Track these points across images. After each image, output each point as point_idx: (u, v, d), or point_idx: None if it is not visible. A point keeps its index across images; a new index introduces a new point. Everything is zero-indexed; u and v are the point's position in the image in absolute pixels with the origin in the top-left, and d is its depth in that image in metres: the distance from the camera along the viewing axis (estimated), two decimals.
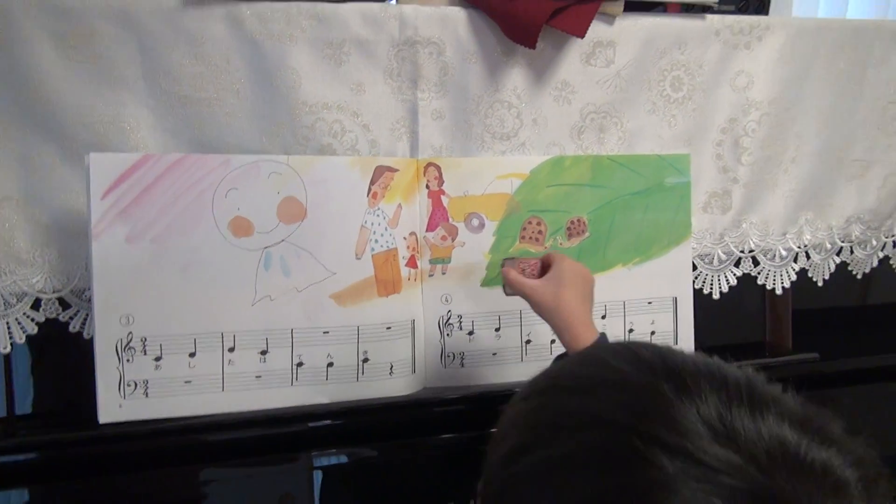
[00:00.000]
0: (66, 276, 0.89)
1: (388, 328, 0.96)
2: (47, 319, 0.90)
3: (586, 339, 0.82)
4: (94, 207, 0.82)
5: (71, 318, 0.91)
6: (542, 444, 0.45)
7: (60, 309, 0.90)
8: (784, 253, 1.16)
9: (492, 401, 1.00)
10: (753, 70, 1.10)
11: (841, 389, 1.12)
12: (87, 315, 0.90)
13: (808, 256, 1.19)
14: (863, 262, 1.24)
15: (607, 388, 0.46)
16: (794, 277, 1.17)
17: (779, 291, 1.16)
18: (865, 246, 1.23)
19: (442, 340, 1.01)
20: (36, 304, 0.89)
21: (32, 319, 0.89)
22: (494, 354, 1.02)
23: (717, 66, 1.09)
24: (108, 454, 0.88)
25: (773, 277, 1.16)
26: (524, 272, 0.92)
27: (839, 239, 1.20)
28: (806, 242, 1.18)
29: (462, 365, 1.01)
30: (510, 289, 0.91)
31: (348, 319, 0.94)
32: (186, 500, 0.90)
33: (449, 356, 1.01)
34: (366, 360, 0.95)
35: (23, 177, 0.87)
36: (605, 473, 0.42)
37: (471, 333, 1.01)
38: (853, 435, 0.44)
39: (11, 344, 0.89)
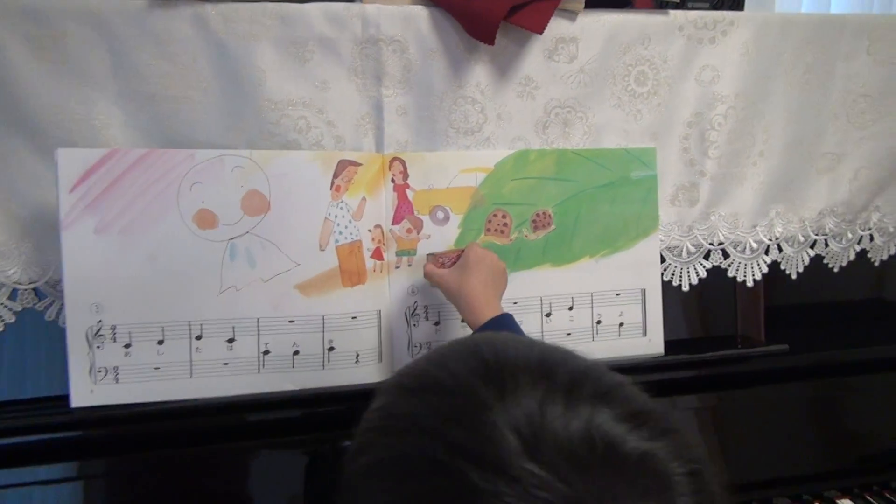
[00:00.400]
0: (41, 267, 0.93)
1: (354, 318, 0.99)
2: (24, 309, 0.94)
3: (486, 316, 0.89)
4: (63, 200, 0.86)
5: (46, 307, 0.94)
6: (372, 447, 0.45)
7: (37, 299, 0.94)
8: (754, 245, 1.17)
9: None
10: (718, 64, 1.12)
11: (809, 383, 1.13)
12: (62, 305, 0.93)
13: (780, 249, 1.20)
14: (839, 256, 1.24)
15: (431, 392, 0.45)
16: (765, 270, 1.17)
17: (749, 284, 1.17)
18: (840, 239, 1.23)
19: (409, 331, 1.03)
20: (13, 295, 0.93)
21: (9, 309, 0.93)
22: None
23: (681, 60, 1.11)
24: (82, 438, 0.92)
25: (743, 270, 1.17)
26: (443, 265, 1.01)
27: (812, 232, 1.21)
28: (777, 235, 1.19)
29: None
30: (427, 280, 1.00)
31: (313, 309, 0.96)
32: (159, 483, 0.93)
33: (416, 346, 1.03)
34: (331, 349, 0.98)
35: None
36: (416, 482, 0.41)
37: (437, 324, 1.04)
38: (683, 431, 0.43)
39: None
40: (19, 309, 0.94)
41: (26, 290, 0.94)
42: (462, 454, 0.39)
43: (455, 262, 1.00)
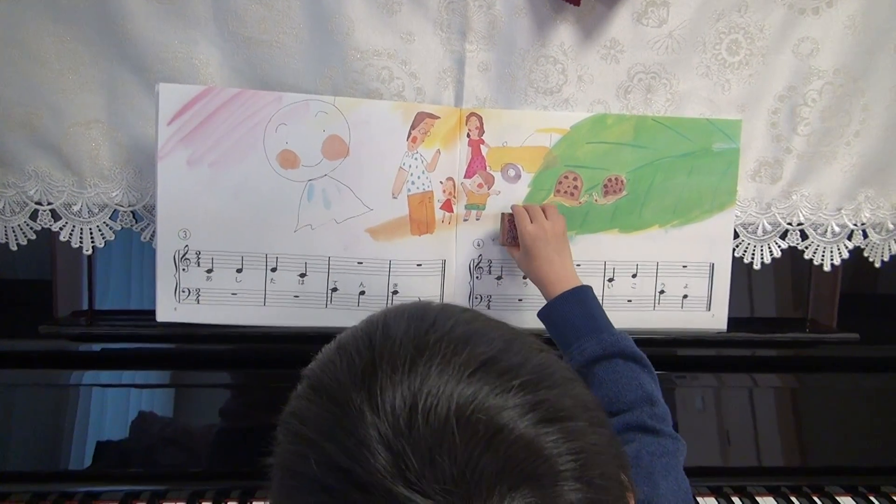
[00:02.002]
0: (139, 192, 1.02)
1: (419, 265, 1.03)
2: (123, 229, 1.03)
3: (558, 291, 0.90)
4: (161, 132, 0.93)
5: (142, 229, 1.04)
6: (277, 446, 0.44)
7: (134, 221, 1.03)
8: (837, 229, 1.13)
9: None
10: (819, 37, 1.07)
11: (877, 374, 1.09)
12: (155, 228, 1.02)
13: (865, 235, 1.15)
14: None
15: (318, 392, 0.43)
16: (845, 255, 1.13)
17: (827, 268, 1.13)
18: None
19: (471, 282, 1.06)
20: (114, 215, 1.03)
21: (111, 228, 1.03)
22: (520, 300, 1.07)
23: (779, 30, 1.06)
24: (167, 350, 1.02)
25: (821, 253, 1.13)
26: (512, 237, 1.02)
27: None
28: (864, 220, 1.14)
29: (489, 307, 1.07)
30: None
31: (381, 253, 1.01)
32: (231, 398, 1.02)
33: (477, 298, 1.07)
34: (395, 293, 1.03)
35: (108, 103, 1.00)
36: (299, 495, 0.41)
37: (499, 278, 1.07)
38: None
39: (93, 248, 1.03)
40: (118, 228, 1.04)
41: (126, 212, 1.03)
42: (339, 473, 0.38)
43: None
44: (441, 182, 1.03)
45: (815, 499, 1.05)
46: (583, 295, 0.89)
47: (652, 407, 0.78)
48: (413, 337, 0.42)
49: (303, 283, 1.00)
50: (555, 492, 0.38)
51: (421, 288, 1.03)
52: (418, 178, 1.01)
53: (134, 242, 1.05)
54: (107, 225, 1.03)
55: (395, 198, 1.00)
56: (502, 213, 1.04)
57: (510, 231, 1.02)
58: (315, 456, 0.39)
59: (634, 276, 1.09)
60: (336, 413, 0.40)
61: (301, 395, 0.44)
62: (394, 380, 0.39)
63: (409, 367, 0.40)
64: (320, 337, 1.02)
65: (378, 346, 0.42)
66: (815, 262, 1.13)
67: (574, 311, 0.88)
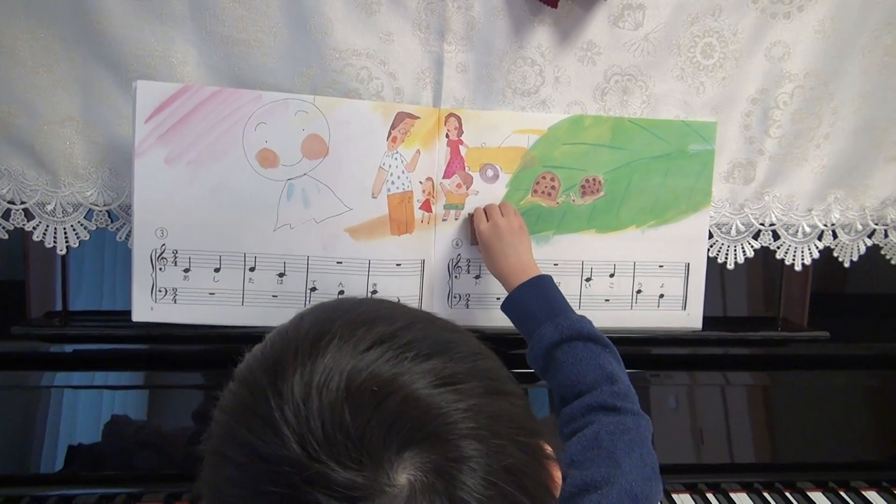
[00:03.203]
0: (115, 191, 1.01)
1: (398, 265, 1.03)
2: (98, 228, 1.02)
3: (517, 282, 0.92)
4: (139, 130, 0.92)
5: (118, 229, 1.02)
6: (209, 437, 0.46)
7: (109, 221, 1.02)
8: (808, 229, 1.15)
9: (495, 343, 1.05)
10: (791, 41, 1.09)
11: (846, 372, 1.12)
12: (132, 228, 1.01)
13: (835, 235, 1.17)
14: None
15: (235, 381, 0.45)
16: (816, 255, 1.16)
17: (798, 268, 1.15)
18: None
19: (450, 282, 1.07)
20: (89, 215, 1.02)
21: (85, 228, 1.02)
22: (498, 299, 1.06)
23: (752, 34, 1.08)
24: (143, 351, 1.01)
25: (793, 253, 1.16)
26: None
27: (872, 221, 1.18)
28: (834, 221, 1.16)
29: (467, 306, 1.07)
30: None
31: (361, 253, 1.01)
32: (206, 399, 1.01)
33: (455, 297, 1.07)
34: (374, 292, 1.03)
35: (83, 101, 0.99)
36: (217, 472, 0.43)
37: (477, 277, 1.07)
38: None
39: (67, 247, 1.01)
40: (93, 228, 1.02)
41: (101, 211, 1.02)
42: (247, 449, 0.40)
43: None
44: (420, 182, 1.03)
45: (788, 494, 1.07)
46: (538, 283, 0.91)
47: (612, 385, 0.78)
48: (320, 323, 0.45)
49: (282, 283, 1.00)
50: (449, 449, 0.40)
51: (400, 288, 1.03)
52: (398, 177, 1.01)
53: (109, 242, 1.03)
54: (81, 224, 1.01)
55: (374, 197, 1.00)
56: (468, 215, 1.05)
57: (473, 231, 1.04)
58: (228, 436, 0.43)
59: (612, 275, 1.10)
60: (247, 397, 0.43)
61: (226, 387, 0.47)
62: (295, 363, 0.42)
63: (310, 349, 0.42)
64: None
65: (290, 335, 0.45)
66: (787, 262, 1.16)
67: (530, 299, 0.89)
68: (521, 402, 0.47)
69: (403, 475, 0.39)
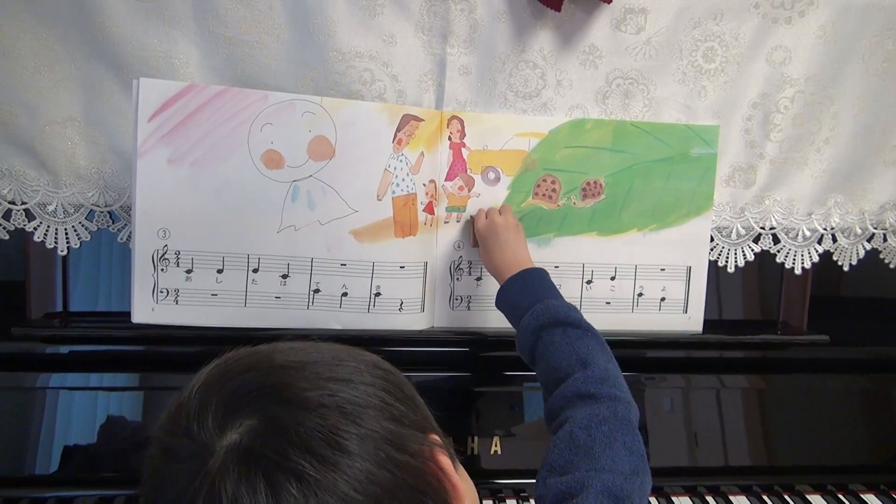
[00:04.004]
0: (117, 192, 1.01)
1: (402, 267, 1.03)
2: (99, 229, 1.01)
3: (508, 276, 0.92)
4: (141, 129, 0.92)
5: (119, 230, 1.02)
6: None
7: (111, 221, 1.02)
8: (808, 233, 1.16)
9: (495, 344, 1.06)
10: (792, 46, 1.10)
11: (845, 375, 1.12)
12: (133, 229, 1.00)
13: (834, 239, 1.18)
14: None
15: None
16: (816, 259, 1.16)
17: (798, 271, 1.16)
18: None
19: (451, 284, 1.07)
20: (90, 216, 1.01)
21: (86, 228, 1.01)
22: None
23: (753, 39, 1.09)
24: (142, 353, 1.00)
25: (793, 256, 1.16)
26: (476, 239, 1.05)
27: (871, 225, 1.19)
28: (834, 225, 1.17)
29: (468, 308, 1.07)
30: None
31: (365, 255, 1.01)
32: None
33: (457, 299, 1.07)
34: (378, 295, 1.03)
35: (85, 101, 0.98)
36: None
37: (479, 279, 1.07)
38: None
39: (68, 248, 1.01)
40: (94, 229, 1.02)
41: (102, 212, 1.01)
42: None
43: None
44: (424, 184, 1.03)
45: (787, 497, 1.08)
46: (525, 274, 0.91)
47: (585, 370, 0.74)
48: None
49: (285, 285, 1.00)
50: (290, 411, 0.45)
51: (403, 290, 1.03)
52: (403, 180, 1.01)
53: (111, 243, 1.03)
54: (82, 225, 1.01)
55: (379, 200, 1.00)
56: (470, 217, 1.06)
57: (474, 233, 1.05)
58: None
59: (613, 278, 1.10)
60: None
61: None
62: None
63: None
64: (301, 338, 1.02)
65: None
66: (787, 266, 1.16)
67: (516, 290, 0.89)
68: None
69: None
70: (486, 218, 1.02)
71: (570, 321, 0.80)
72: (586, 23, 1.05)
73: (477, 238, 1.03)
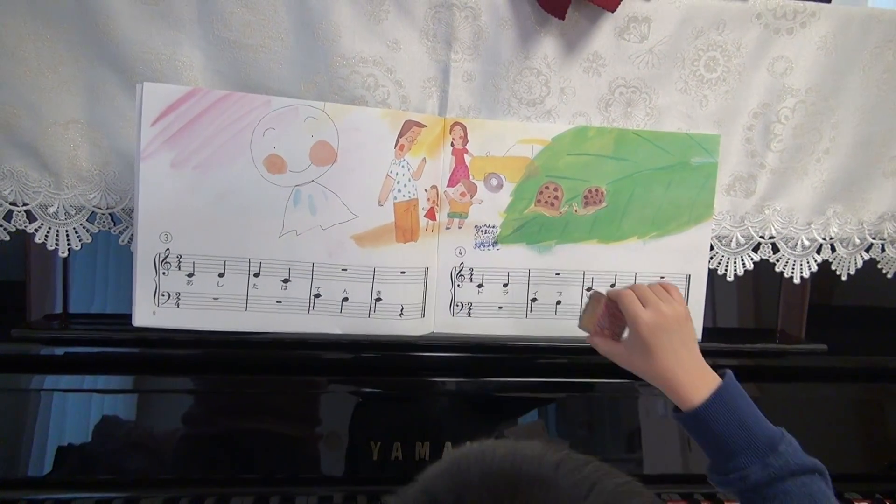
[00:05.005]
0: (119, 195, 1.01)
1: (403, 272, 1.03)
2: (101, 231, 1.01)
3: (699, 395, 0.77)
4: (144, 133, 0.91)
5: (121, 232, 1.02)
6: None
7: (112, 224, 1.02)
8: (807, 243, 1.16)
9: (496, 351, 1.06)
10: (793, 56, 1.10)
11: (844, 385, 1.13)
12: (135, 232, 1.00)
13: (833, 249, 1.19)
14: (894, 262, 1.22)
15: None
16: (814, 268, 1.17)
17: (797, 280, 1.16)
18: None
19: (452, 290, 1.07)
20: (91, 218, 1.01)
21: (88, 230, 1.01)
22: (500, 308, 1.08)
23: (755, 49, 1.09)
24: (142, 355, 1.00)
25: (791, 266, 1.17)
26: (603, 330, 0.89)
27: (870, 235, 1.19)
28: (832, 235, 1.18)
29: (469, 315, 1.08)
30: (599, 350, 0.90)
31: (366, 260, 1.01)
32: (205, 405, 1.01)
33: (458, 305, 1.07)
34: (379, 300, 1.03)
35: (88, 103, 0.98)
36: None
37: (480, 286, 1.07)
38: None
39: (69, 250, 1.01)
40: (96, 231, 1.02)
41: (104, 214, 1.01)
42: None
43: (614, 321, 0.88)
44: (426, 190, 1.03)
45: None
46: (730, 396, 0.77)
47: None
48: None
49: (286, 289, 1.00)
50: None
51: (404, 295, 1.03)
52: (404, 185, 1.01)
53: (112, 245, 1.03)
54: (84, 227, 1.01)
55: (381, 205, 1.00)
56: (594, 293, 0.91)
57: (603, 319, 0.88)
58: None
59: (613, 285, 1.10)
60: None
61: None
62: None
63: None
64: (301, 343, 1.03)
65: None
66: (786, 275, 1.17)
67: (725, 423, 0.75)
68: None
69: None
70: (647, 307, 0.82)
71: (805, 468, 0.73)
72: (590, 31, 1.05)
73: (636, 332, 0.82)
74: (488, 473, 0.39)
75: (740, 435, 0.74)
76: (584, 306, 0.95)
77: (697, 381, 0.78)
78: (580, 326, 0.94)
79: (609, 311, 0.88)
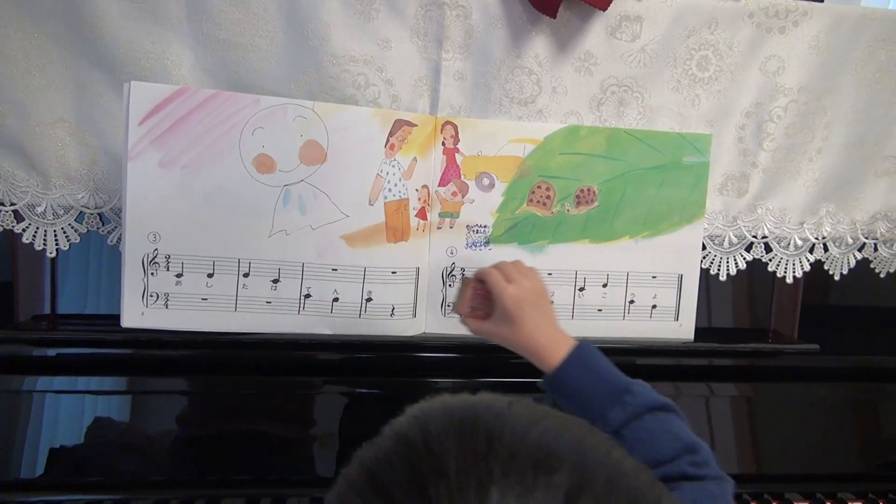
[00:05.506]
0: (107, 194, 1.00)
1: (394, 272, 1.03)
2: (89, 231, 1.01)
3: (559, 356, 0.84)
4: (132, 132, 0.91)
5: (109, 232, 1.01)
6: None
7: (101, 224, 1.01)
8: (799, 242, 1.16)
9: (487, 351, 1.05)
10: (785, 55, 1.10)
11: (836, 384, 1.13)
12: (123, 232, 0.99)
13: (826, 249, 1.18)
14: (888, 261, 1.22)
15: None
16: (807, 268, 1.16)
17: (789, 280, 1.16)
18: (892, 245, 1.21)
19: (444, 290, 1.06)
20: (79, 217, 1.00)
21: (76, 230, 1.00)
22: None
23: (747, 48, 1.09)
24: (132, 356, 1.00)
25: (784, 265, 1.16)
26: (474, 311, 0.94)
27: (863, 234, 1.19)
28: (825, 234, 1.17)
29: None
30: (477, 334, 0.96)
31: (356, 260, 1.00)
32: (196, 406, 1.00)
33: (449, 306, 1.07)
34: (369, 300, 1.02)
35: (76, 102, 0.97)
36: None
37: None
38: None
39: (57, 250, 1.00)
40: (85, 231, 1.01)
41: (92, 214, 1.01)
42: None
43: (485, 302, 0.93)
44: (417, 190, 1.03)
45: None
46: (586, 355, 0.84)
47: (693, 455, 0.73)
48: (470, 470, 0.36)
49: (275, 290, 0.99)
50: None
51: (395, 295, 1.03)
52: (395, 185, 1.01)
53: (100, 245, 1.02)
54: (72, 227, 1.00)
55: (371, 205, 1.00)
56: (464, 278, 0.95)
57: (473, 299, 0.94)
58: None
59: (605, 285, 1.10)
60: None
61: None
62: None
63: None
64: (291, 343, 1.02)
65: (431, 491, 0.36)
66: (779, 275, 1.17)
67: (583, 378, 0.82)
68: None
69: None
70: (511, 283, 0.89)
71: (659, 405, 0.77)
72: (582, 29, 1.05)
73: (501, 306, 0.89)
74: (449, 409, 0.41)
75: (598, 385, 0.80)
76: (457, 291, 0.99)
77: (557, 345, 0.84)
78: (454, 311, 0.98)
79: (478, 292, 0.93)
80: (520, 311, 0.88)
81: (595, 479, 0.36)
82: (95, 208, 1.00)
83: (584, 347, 0.85)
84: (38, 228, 0.99)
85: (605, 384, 0.80)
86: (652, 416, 0.77)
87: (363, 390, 1.02)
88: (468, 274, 1.02)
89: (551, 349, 0.85)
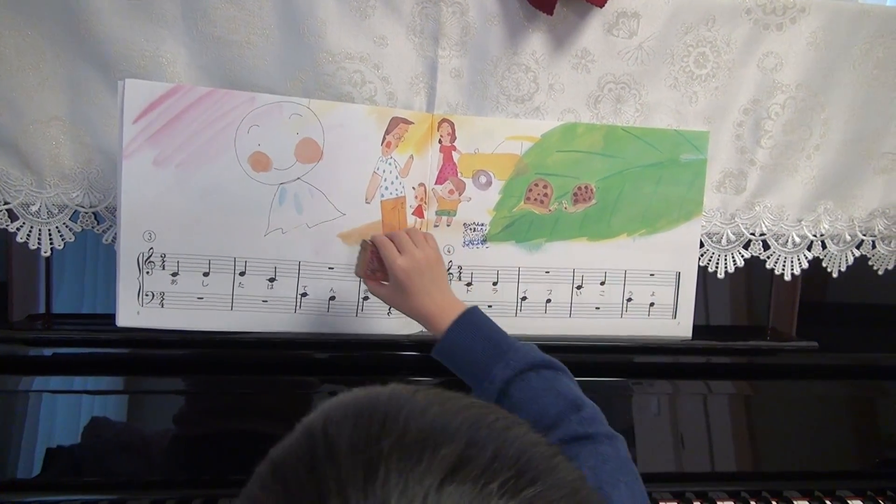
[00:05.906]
0: (102, 193, 0.99)
1: None
2: (83, 230, 1.00)
3: (446, 323, 0.85)
4: (126, 130, 0.90)
5: (104, 231, 1.01)
6: None
7: (96, 223, 1.00)
8: (797, 239, 1.16)
9: None
10: (783, 52, 1.10)
11: (834, 382, 1.12)
12: (118, 231, 0.99)
13: (824, 246, 1.18)
14: (885, 258, 1.21)
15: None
16: (805, 265, 1.16)
17: (787, 277, 1.16)
18: (890, 242, 1.21)
19: None
20: (74, 216, 1.00)
21: (70, 229, 1.00)
22: (490, 307, 1.07)
23: (745, 45, 1.09)
24: (127, 355, 0.99)
25: (782, 263, 1.16)
26: (375, 273, 0.93)
27: (861, 232, 1.19)
28: (823, 231, 1.17)
29: None
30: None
31: (353, 258, 1.00)
32: (192, 405, 0.99)
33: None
34: (366, 299, 1.02)
35: (70, 100, 0.97)
36: None
37: (469, 285, 1.06)
38: None
39: (52, 249, 0.99)
40: (79, 230, 1.00)
41: (87, 213, 1.00)
42: None
43: (384, 265, 0.91)
44: (413, 188, 1.02)
45: (774, 503, 1.08)
46: (473, 319, 0.86)
47: (579, 412, 0.73)
48: (362, 449, 0.36)
49: (272, 288, 0.98)
50: None
51: None
52: (391, 183, 1.00)
53: (95, 244, 1.01)
54: (66, 226, 0.99)
55: (368, 203, 0.99)
56: (363, 242, 0.94)
57: (371, 263, 0.93)
58: None
59: (603, 283, 1.10)
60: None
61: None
62: None
63: (363, 491, 0.34)
64: (288, 342, 1.01)
65: (321, 471, 0.35)
66: (777, 272, 1.16)
67: (469, 340, 0.84)
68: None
69: None
70: (403, 254, 0.89)
71: (545, 362, 0.78)
72: (579, 26, 1.04)
73: (392, 277, 0.89)
74: (355, 398, 0.40)
75: (485, 348, 0.82)
76: (358, 254, 0.97)
77: (447, 312, 0.86)
78: (356, 273, 0.96)
79: (376, 255, 0.93)
80: (409, 281, 0.88)
81: (483, 452, 0.36)
82: (90, 207, 1.00)
83: (470, 312, 0.86)
84: (32, 227, 0.99)
85: (489, 344, 0.82)
86: (535, 373, 0.77)
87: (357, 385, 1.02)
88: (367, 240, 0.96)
89: (441, 316, 0.86)
